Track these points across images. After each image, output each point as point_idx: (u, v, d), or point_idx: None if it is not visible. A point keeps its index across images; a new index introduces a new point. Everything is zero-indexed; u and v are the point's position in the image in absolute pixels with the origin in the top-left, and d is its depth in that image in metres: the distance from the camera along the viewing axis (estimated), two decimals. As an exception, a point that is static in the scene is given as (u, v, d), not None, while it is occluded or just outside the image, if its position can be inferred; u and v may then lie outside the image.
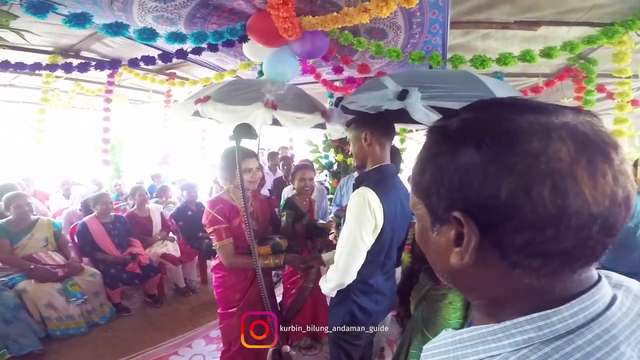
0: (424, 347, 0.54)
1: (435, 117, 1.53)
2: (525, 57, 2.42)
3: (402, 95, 1.52)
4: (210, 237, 1.96)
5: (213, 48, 2.64)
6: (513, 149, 0.37)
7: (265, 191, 3.80)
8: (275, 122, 2.13)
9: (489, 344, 0.41)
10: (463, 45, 3.16)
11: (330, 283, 1.59)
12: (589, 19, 2.57)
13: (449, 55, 2.78)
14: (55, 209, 4.72)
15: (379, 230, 1.51)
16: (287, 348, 0.95)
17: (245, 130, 1.65)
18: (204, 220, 1.98)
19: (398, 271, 2.38)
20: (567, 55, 2.94)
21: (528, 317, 0.39)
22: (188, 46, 2.74)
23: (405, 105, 1.51)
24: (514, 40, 3.04)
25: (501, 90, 1.63)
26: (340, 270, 1.53)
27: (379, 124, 1.63)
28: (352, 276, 1.53)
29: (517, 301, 0.42)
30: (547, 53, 2.43)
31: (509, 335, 0.40)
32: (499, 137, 0.39)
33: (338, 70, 2.96)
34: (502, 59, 2.44)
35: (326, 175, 4.15)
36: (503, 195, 0.37)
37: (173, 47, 2.91)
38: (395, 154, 2.34)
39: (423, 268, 2.11)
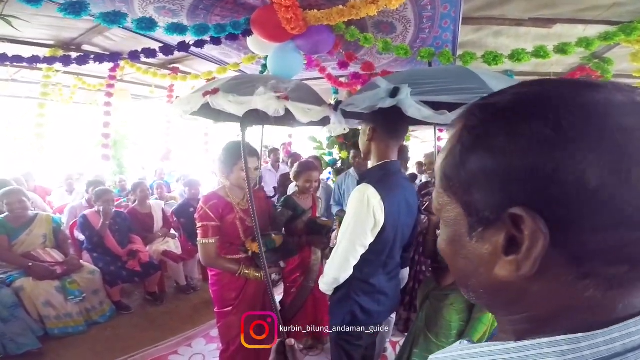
0: (431, 357, 0.46)
1: (427, 111, 1.51)
2: (539, 52, 2.34)
3: (394, 93, 1.50)
4: (197, 231, 1.91)
5: (216, 41, 2.57)
6: (599, 123, 0.30)
7: (270, 189, 3.73)
8: (279, 121, 2.07)
9: None
10: (474, 42, 3.08)
11: (326, 277, 1.58)
12: (608, 17, 2.49)
13: (459, 52, 2.70)
14: (58, 205, 4.68)
15: (379, 229, 1.47)
16: (292, 341, 0.88)
17: (253, 116, 1.58)
18: (196, 215, 1.93)
19: (405, 272, 2.32)
20: (582, 54, 2.85)
21: (552, 339, 0.32)
22: (191, 39, 2.67)
23: (398, 102, 1.49)
24: (527, 38, 2.96)
25: (500, 83, 1.56)
26: (336, 265, 1.52)
27: (385, 122, 1.60)
28: (347, 272, 1.52)
29: (564, 319, 0.34)
30: (561, 49, 2.34)
31: (523, 358, 0.33)
32: (576, 110, 0.31)
33: (343, 65, 2.88)
34: (515, 55, 2.36)
35: (329, 173, 4.07)
36: (592, 182, 0.29)
37: (175, 41, 2.84)
38: (403, 151, 2.26)
39: (431, 267, 2.06)
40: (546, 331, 0.34)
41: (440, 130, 4.57)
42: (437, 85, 1.56)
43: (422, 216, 2.12)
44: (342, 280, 1.55)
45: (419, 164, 5.23)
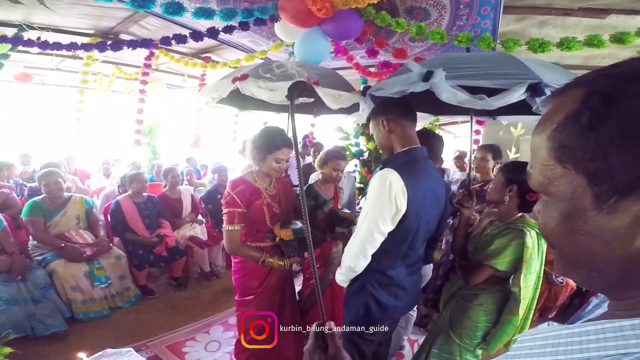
0: (518, 338, 0.45)
1: (463, 96, 1.42)
2: (592, 41, 2.12)
3: (427, 77, 1.43)
4: (223, 217, 1.88)
5: (244, 26, 2.56)
6: None
7: (295, 177, 3.71)
8: (304, 108, 2.02)
9: (629, 339, 0.33)
10: (516, 33, 2.90)
11: (342, 267, 1.52)
12: (670, 8, 2.24)
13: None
14: (95, 188, 4.90)
15: (400, 216, 1.38)
16: (331, 324, 0.83)
17: (301, 88, 1.50)
18: (222, 200, 1.90)
19: (428, 269, 2.23)
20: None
21: None
22: (219, 24, 2.67)
23: (431, 86, 1.42)
24: (576, 29, 2.75)
25: (549, 71, 1.44)
26: (353, 253, 1.45)
27: (393, 107, 1.54)
28: (363, 262, 1.45)
29: None
30: (618, 38, 2.12)
31: None
32: None
33: (373, 53, 2.77)
34: (565, 43, 2.15)
35: (356, 165, 3.99)
36: None
37: (205, 28, 2.86)
38: (438, 140, 2.15)
39: (459, 265, 1.98)
40: None
41: (479, 123, 4.20)
42: (475, 70, 1.48)
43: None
44: (358, 270, 1.49)
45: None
